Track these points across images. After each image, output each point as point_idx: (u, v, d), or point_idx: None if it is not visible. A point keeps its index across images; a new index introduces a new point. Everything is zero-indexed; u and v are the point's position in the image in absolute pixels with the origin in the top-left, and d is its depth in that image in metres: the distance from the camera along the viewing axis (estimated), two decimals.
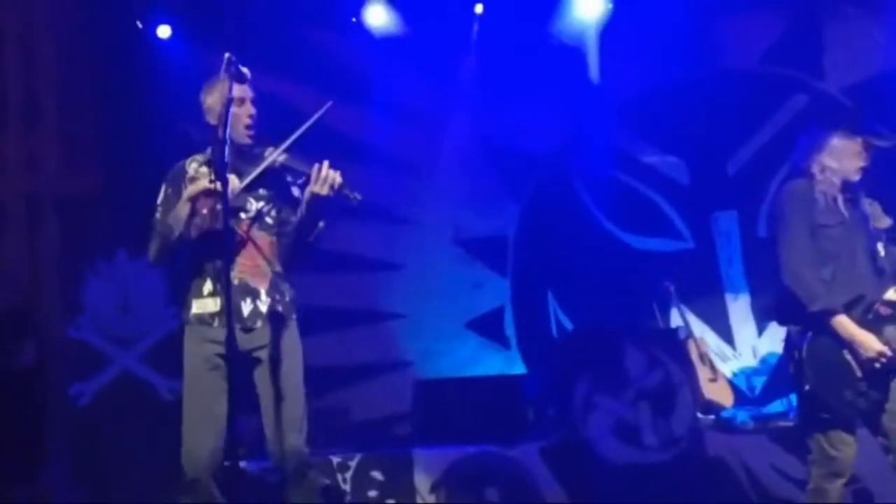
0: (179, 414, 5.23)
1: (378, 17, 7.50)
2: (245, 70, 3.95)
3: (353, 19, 7.55)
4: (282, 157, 4.09)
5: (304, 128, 4.09)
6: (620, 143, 7.97)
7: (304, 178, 4.07)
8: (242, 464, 5.28)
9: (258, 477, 5.46)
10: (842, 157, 4.41)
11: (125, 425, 6.01)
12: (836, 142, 4.43)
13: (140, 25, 7.10)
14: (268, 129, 5.63)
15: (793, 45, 8.02)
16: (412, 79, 7.67)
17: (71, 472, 5.81)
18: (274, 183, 4.19)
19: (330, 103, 4.10)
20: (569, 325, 7.74)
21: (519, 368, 7.53)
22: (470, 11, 7.61)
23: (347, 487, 5.60)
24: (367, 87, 7.60)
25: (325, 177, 3.95)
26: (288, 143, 4.06)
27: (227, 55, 3.87)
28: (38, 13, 6.78)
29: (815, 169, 4.42)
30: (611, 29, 7.71)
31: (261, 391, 4.18)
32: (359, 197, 4.06)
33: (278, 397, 4.12)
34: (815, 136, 4.56)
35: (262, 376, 4.16)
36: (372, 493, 5.63)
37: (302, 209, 4.07)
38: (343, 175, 4.09)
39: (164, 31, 7.13)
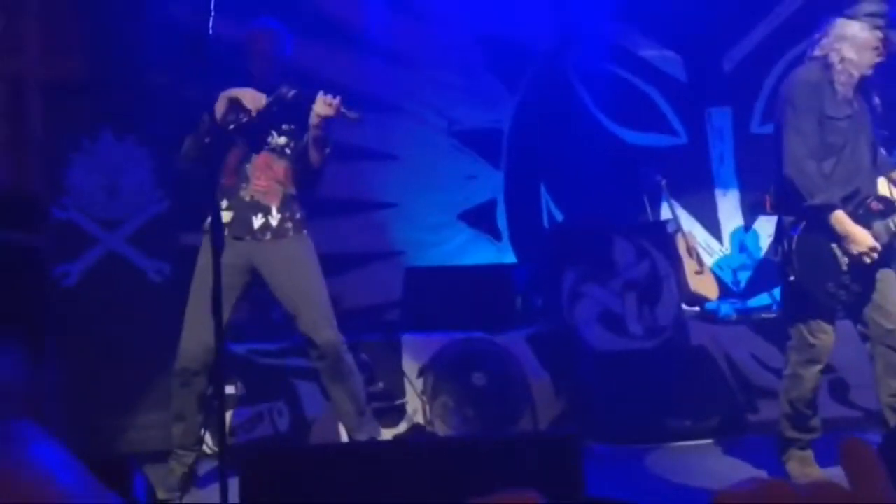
0: (166, 295, 5.33)
1: None
2: None
3: None
4: (291, 92, 4.68)
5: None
6: (617, 36, 7.90)
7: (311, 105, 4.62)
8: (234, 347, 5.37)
9: (246, 358, 5.53)
10: (861, 49, 4.38)
11: (111, 305, 5.94)
12: (859, 33, 4.38)
13: None
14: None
15: None
16: None
17: (55, 350, 5.69)
18: (294, 117, 4.73)
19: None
20: (560, 217, 7.75)
21: (509, 260, 7.55)
22: None
23: None
24: None
25: (327, 99, 4.55)
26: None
27: None
28: None
29: (834, 58, 4.40)
30: None
31: (282, 297, 4.75)
32: (357, 116, 4.73)
33: (303, 299, 4.61)
34: (835, 24, 4.49)
35: (279, 283, 4.73)
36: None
37: (310, 133, 4.66)
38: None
39: None
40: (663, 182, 7.29)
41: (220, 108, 4.49)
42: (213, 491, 4.03)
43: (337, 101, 4.56)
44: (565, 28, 7.83)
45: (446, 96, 7.76)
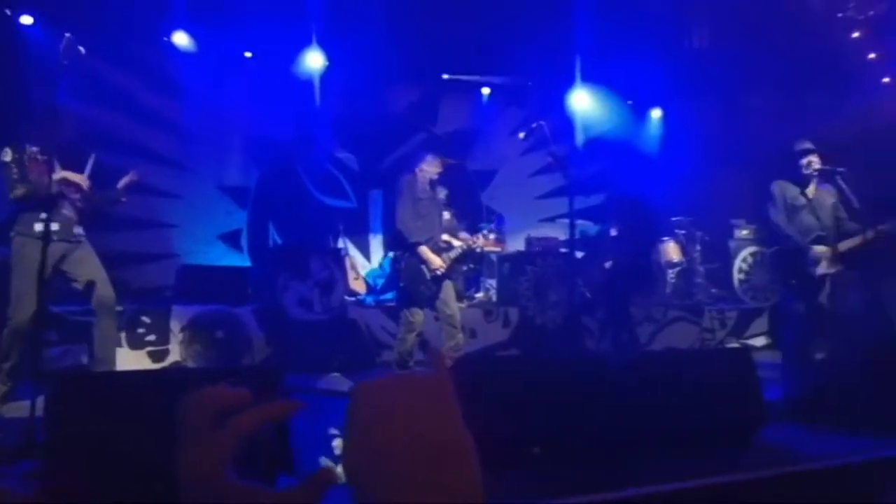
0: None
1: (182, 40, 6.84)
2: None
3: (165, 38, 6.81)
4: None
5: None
6: (326, 142, 7.80)
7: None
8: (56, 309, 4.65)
9: (61, 317, 4.82)
10: (431, 166, 4.66)
11: None
12: (429, 158, 4.69)
13: None
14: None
15: (422, 106, 8.29)
16: (211, 88, 7.09)
17: None
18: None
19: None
20: (280, 241, 7.51)
21: (247, 264, 7.19)
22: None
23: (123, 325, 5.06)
24: (181, 94, 7.04)
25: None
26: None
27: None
28: None
29: (418, 171, 4.66)
30: (328, 74, 7.51)
31: (80, 276, 3.96)
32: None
33: (94, 275, 3.86)
34: (423, 153, 4.79)
35: (77, 267, 3.96)
36: (140, 330, 5.15)
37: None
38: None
39: None
40: (341, 227, 7.31)
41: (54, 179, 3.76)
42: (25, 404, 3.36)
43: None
44: (294, 133, 7.66)
45: (219, 163, 7.35)
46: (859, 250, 4.43)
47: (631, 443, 3.06)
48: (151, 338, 5.13)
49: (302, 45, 7.25)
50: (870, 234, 4.36)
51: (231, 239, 7.39)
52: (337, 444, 2.69)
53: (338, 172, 7.93)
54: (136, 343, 5.09)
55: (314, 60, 7.38)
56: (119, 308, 4.30)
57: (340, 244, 7.21)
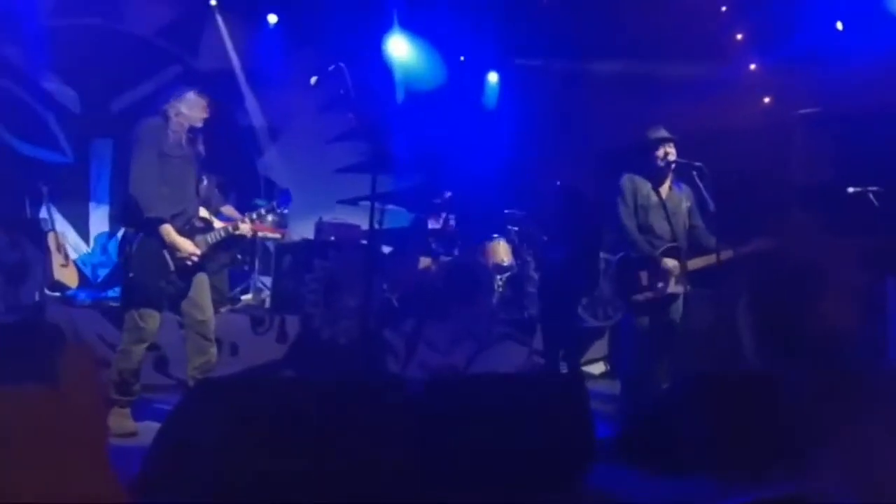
0: None
1: None
2: None
3: None
4: None
5: None
6: (30, 67, 7.21)
7: None
8: None
9: None
10: (192, 108, 4.50)
11: None
12: (191, 96, 4.52)
13: None
14: None
15: (178, 31, 8.09)
16: None
17: None
18: None
19: None
20: None
21: None
22: None
23: None
24: None
25: None
26: None
27: None
28: None
29: (171, 112, 4.47)
30: None
31: None
32: None
33: None
34: (177, 88, 4.61)
35: None
36: None
37: None
38: None
39: None
40: (45, 189, 6.82)
41: None
42: None
43: None
44: None
45: None
46: (711, 268, 4.97)
47: (433, 485, 3.17)
48: None
49: None
50: (725, 255, 4.88)
51: None
52: None
53: (46, 111, 7.40)
54: None
55: None
56: None
57: (43, 214, 6.70)
